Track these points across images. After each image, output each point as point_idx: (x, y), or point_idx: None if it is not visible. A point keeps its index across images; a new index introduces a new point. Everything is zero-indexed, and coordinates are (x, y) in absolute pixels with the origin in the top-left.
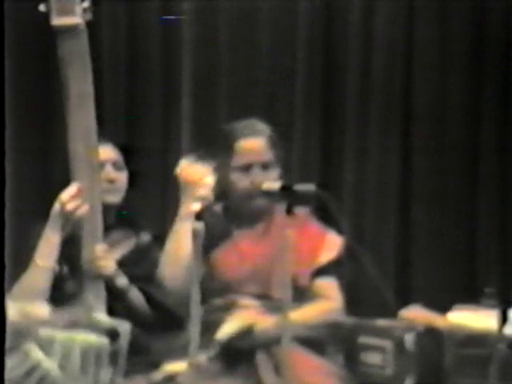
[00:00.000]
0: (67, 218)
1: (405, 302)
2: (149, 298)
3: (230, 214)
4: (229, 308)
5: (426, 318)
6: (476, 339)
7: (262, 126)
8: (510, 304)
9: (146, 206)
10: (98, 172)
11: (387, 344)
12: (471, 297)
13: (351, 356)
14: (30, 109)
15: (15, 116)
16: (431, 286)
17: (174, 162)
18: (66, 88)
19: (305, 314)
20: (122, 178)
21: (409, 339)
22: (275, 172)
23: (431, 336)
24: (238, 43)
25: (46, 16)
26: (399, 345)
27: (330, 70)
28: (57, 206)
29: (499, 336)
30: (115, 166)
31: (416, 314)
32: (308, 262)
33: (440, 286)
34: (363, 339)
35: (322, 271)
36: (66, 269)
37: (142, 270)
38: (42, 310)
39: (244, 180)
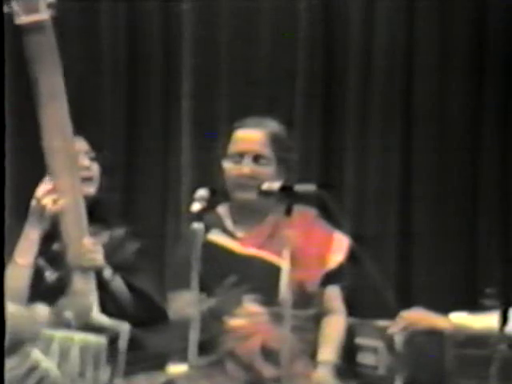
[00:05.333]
0: (43, 213)
1: (405, 302)
2: (131, 288)
3: (234, 212)
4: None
5: (428, 318)
6: (477, 340)
7: (270, 123)
8: (511, 304)
9: (146, 205)
10: (76, 165)
11: (380, 345)
12: (472, 297)
13: (349, 357)
14: (30, 109)
15: (15, 116)
16: (432, 286)
17: (174, 162)
18: (37, 85)
19: (334, 344)
20: (96, 167)
21: (399, 340)
22: (268, 168)
23: (432, 337)
24: (238, 43)
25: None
26: (390, 345)
27: (331, 70)
28: (33, 203)
29: (500, 336)
30: (88, 156)
31: (417, 315)
32: (317, 265)
33: (441, 286)
34: (359, 340)
35: (330, 277)
36: (42, 262)
37: (116, 263)
38: (42, 311)
39: (234, 169)
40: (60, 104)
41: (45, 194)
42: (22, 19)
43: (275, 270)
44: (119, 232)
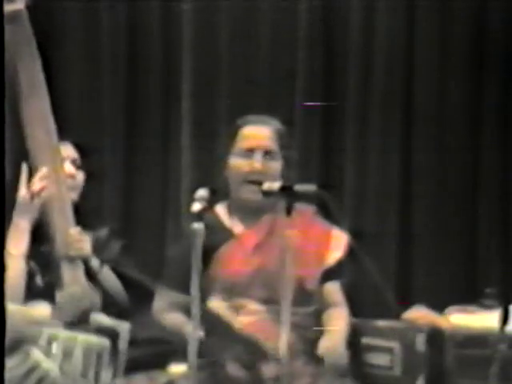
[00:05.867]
0: (32, 201)
1: (405, 302)
2: (121, 276)
3: (233, 210)
4: (235, 311)
5: (429, 318)
6: (477, 340)
7: (273, 121)
8: (511, 303)
9: (146, 205)
10: (59, 154)
11: (395, 345)
12: (471, 297)
13: (355, 357)
14: None
15: (15, 116)
16: (432, 286)
17: (174, 162)
18: (16, 76)
19: (340, 325)
20: (80, 175)
21: (419, 340)
22: (277, 163)
23: (436, 337)
24: (238, 43)
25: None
26: (408, 346)
27: (330, 69)
28: (23, 191)
29: (500, 336)
30: (74, 163)
31: (419, 315)
32: (316, 262)
33: (441, 286)
34: (367, 340)
35: (330, 273)
36: (32, 264)
37: (104, 262)
38: (43, 310)
39: (244, 164)
40: (41, 97)
41: (33, 182)
42: None
43: (264, 353)
44: (103, 232)
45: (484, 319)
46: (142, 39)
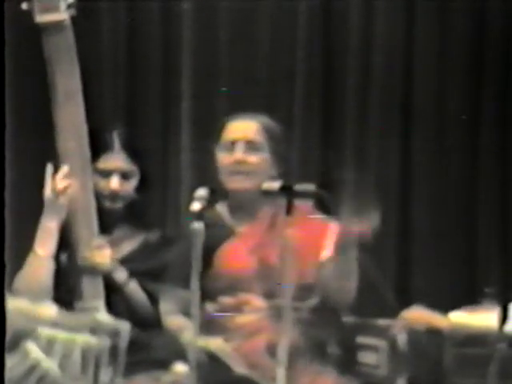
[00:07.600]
0: (57, 200)
1: (405, 301)
2: (149, 295)
3: (233, 208)
4: (239, 307)
5: (428, 318)
6: (476, 339)
7: (262, 117)
8: (510, 303)
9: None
10: (89, 167)
11: (382, 344)
12: (471, 297)
13: (349, 356)
14: (29, 108)
15: (15, 116)
16: (431, 286)
17: (174, 162)
18: (53, 84)
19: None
20: (128, 187)
21: (402, 339)
22: (261, 155)
23: (432, 336)
24: (238, 43)
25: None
26: (393, 344)
27: (330, 69)
28: (48, 191)
29: (500, 335)
30: (124, 176)
31: (417, 314)
32: (313, 256)
33: (440, 285)
34: (361, 339)
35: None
36: (64, 257)
37: (148, 267)
38: (50, 310)
39: (226, 157)
40: (76, 105)
41: (58, 182)
42: (42, 18)
43: None
44: (153, 236)
45: (483, 318)
46: (142, 39)
